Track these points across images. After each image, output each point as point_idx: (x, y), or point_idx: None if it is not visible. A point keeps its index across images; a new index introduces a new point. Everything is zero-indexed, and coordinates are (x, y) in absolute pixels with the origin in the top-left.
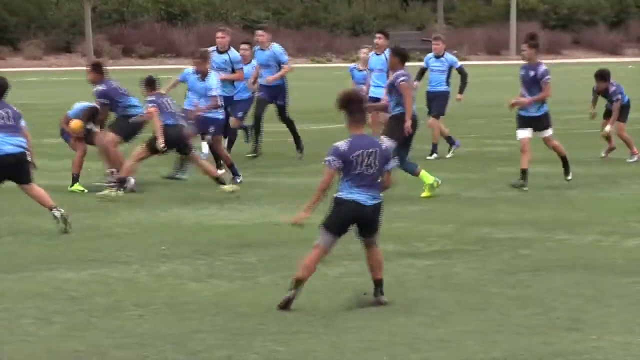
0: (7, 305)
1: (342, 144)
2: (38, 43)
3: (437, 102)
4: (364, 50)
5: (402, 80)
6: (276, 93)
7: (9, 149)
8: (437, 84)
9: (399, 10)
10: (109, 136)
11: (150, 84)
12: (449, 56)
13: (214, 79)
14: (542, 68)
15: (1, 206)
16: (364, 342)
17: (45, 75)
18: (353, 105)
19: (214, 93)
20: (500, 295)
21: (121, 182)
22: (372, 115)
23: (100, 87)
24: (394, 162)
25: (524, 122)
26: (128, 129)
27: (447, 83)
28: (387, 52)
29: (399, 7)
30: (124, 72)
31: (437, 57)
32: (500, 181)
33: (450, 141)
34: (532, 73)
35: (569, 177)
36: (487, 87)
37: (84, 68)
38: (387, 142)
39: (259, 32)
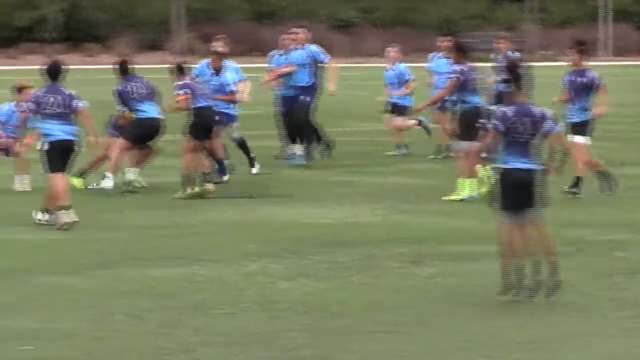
0: (98, 302)
1: (507, 109)
2: (127, 41)
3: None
4: (392, 49)
5: (451, 77)
6: (304, 92)
7: (61, 135)
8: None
9: (489, 11)
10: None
11: (181, 70)
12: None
13: (229, 75)
14: (592, 74)
15: (90, 203)
16: (457, 343)
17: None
18: (518, 73)
19: (232, 88)
20: (596, 298)
21: (205, 176)
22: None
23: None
24: (555, 126)
25: (572, 128)
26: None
27: None
28: None
29: (488, 7)
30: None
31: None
32: (595, 183)
33: None
34: (580, 79)
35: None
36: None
37: (170, 66)
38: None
39: (298, 29)
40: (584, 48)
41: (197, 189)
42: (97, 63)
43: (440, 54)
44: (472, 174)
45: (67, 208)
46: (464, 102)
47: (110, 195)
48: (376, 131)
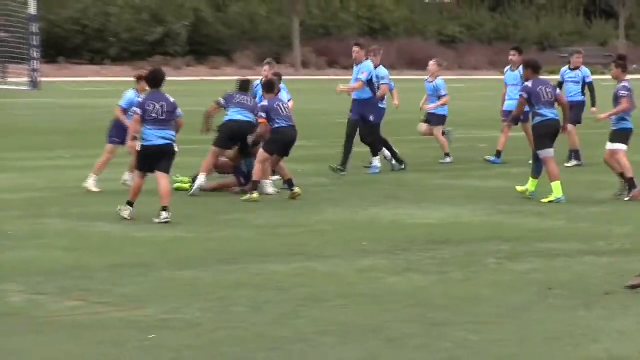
0: (222, 294)
1: None
2: (250, 54)
3: (573, 111)
4: (432, 62)
5: (521, 91)
6: (365, 110)
7: (155, 140)
8: (573, 94)
9: (583, 27)
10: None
11: (269, 87)
12: (585, 69)
13: (284, 94)
14: (620, 85)
15: (217, 204)
16: (548, 333)
17: None
18: None
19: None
20: None
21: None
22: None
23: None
24: None
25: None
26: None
27: (582, 94)
28: (521, 68)
29: (583, 24)
30: (329, 81)
31: (573, 69)
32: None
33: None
34: (614, 90)
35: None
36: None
37: (294, 77)
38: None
39: (354, 48)
40: (623, 63)
41: (256, 195)
42: (222, 75)
43: (510, 67)
44: (556, 178)
45: (166, 209)
46: (536, 115)
47: (236, 195)
48: (477, 138)
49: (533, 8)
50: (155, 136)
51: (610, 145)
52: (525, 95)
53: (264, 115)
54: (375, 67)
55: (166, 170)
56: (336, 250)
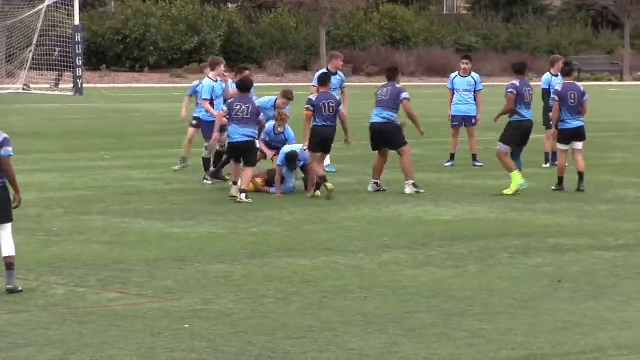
0: (252, 287)
1: None
2: (279, 62)
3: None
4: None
5: (508, 91)
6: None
7: (238, 137)
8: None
9: (591, 37)
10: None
11: (323, 80)
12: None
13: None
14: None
15: (251, 202)
16: (558, 323)
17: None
18: None
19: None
20: None
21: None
22: None
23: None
24: None
25: None
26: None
27: None
28: (472, 74)
29: (591, 33)
30: (354, 88)
31: (556, 76)
32: None
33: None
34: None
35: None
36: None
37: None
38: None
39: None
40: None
41: (319, 193)
42: (254, 81)
43: (459, 73)
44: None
45: (244, 192)
46: (515, 113)
47: (263, 195)
48: (492, 140)
49: (544, 19)
50: (238, 134)
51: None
52: (515, 92)
53: (311, 108)
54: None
55: (251, 164)
56: (359, 246)
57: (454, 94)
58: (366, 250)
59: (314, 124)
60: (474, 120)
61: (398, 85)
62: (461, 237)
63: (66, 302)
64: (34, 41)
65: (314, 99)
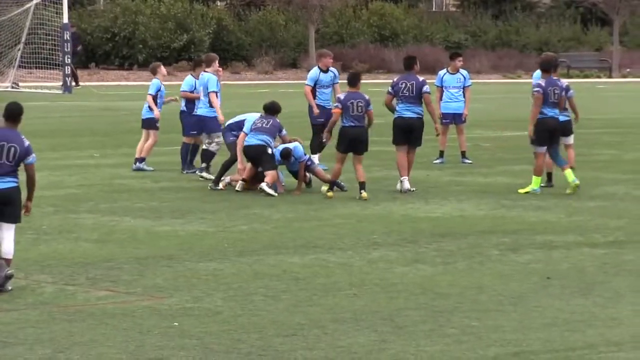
0: (241, 285)
1: None
2: (269, 60)
3: None
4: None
5: (534, 90)
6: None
7: (253, 141)
8: None
9: (580, 34)
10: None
11: (353, 80)
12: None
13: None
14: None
15: (237, 200)
16: (546, 319)
17: (275, 87)
18: None
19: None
20: None
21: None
22: None
23: None
24: None
25: None
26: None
27: None
28: (461, 71)
29: (580, 30)
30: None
31: None
32: None
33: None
34: None
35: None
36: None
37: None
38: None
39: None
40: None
41: (331, 194)
42: (243, 79)
43: (448, 70)
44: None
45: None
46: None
47: (253, 193)
48: (481, 137)
49: (533, 16)
50: (256, 138)
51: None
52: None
53: (339, 106)
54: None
55: (265, 168)
56: (348, 243)
57: (442, 91)
58: (355, 248)
59: (341, 124)
60: (463, 117)
61: (420, 77)
62: (450, 234)
63: (55, 300)
64: (23, 39)
65: (342, 97)
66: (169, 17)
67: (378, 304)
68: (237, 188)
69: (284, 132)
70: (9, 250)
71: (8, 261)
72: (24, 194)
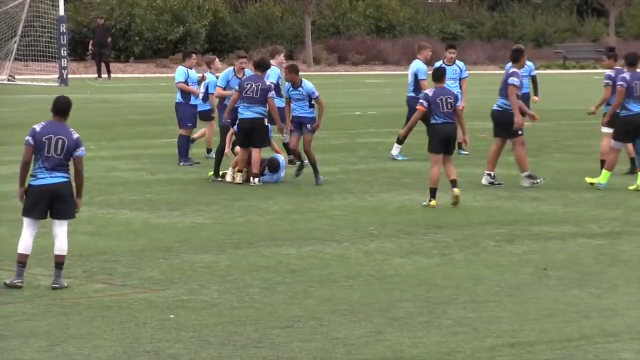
0: (237, 276)
1: None
2: (265, 52)
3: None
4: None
5: (618, 84)
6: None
7: (249, 114)
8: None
9: (576, 24)
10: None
11: (437, 75)
12: (530, 64)
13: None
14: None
15: (234, 191)
16: (542, 310)
17: None
18: None
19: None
20: None
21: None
22: None
23: None
24: None
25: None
26: None
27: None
28: (457, 62)
29: (576, 21)
30: (340, 77)
31: None
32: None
33: None
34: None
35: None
36: None
37: (306, 73)
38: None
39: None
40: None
41: (433, 202)
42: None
43: (444, 62)
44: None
45: (256, 176)
46: (623, 108)
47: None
48: (478, 129)
49: (529, 7)
50: (248, 110)
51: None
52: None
53: (425, 104)
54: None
55: (259, 145)
56: (345, 235)
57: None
58: (352, 239)
59: (432, 122)
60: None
61: (512, 69)
62: (446, 225)
63: (51, 293)
64: (19, 32)
65: (430, 93)
66: (165, 9)
67: (374, 296)
68: (237, 180)
69: (270, 93)
70: (62, 247)
71: (61, 259)
72: None
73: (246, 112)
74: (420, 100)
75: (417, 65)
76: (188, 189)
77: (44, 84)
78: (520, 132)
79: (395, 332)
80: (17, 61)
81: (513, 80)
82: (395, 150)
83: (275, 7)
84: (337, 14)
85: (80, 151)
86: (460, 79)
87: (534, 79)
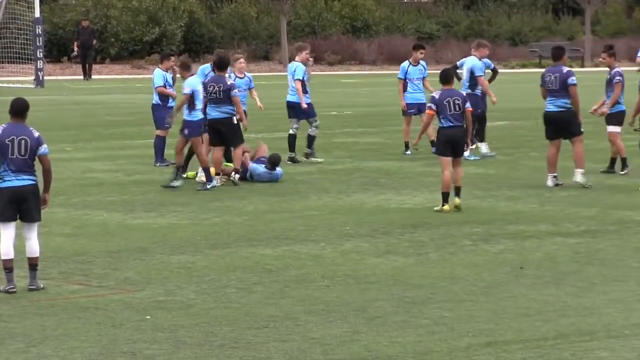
0: (214, 277)
1: None
2: (241, 52)
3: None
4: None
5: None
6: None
7: (216, 114)
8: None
9: (552, 23)
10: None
11: (445, 79)
12: (487, 60)
13: None
14: (613, 71)
15: (211, 192)
16: (519, 309)
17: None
18: None
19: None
20: (639, 269)
21: None
22: None
23: None
24: None
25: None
26: None
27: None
28: (423, 63)
29: (551, 20)
30: (316, 77)
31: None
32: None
33: None
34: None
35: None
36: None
37: (282, 73)
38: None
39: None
40: (613, 51)
41: (447, 207)
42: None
43: (411, 62)
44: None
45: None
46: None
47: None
48: None
49: (504, 6)
50: (216, 110)
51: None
52: None
53: (433, 107)
54: None
55: (232, 144)
56: (321, 235)
57: (405, 83)
58: (327, 239)
59: (440, 125)
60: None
61: (565, 68)
62: (422, 224)
63: (27, 294)
64: None
65: (437, 96)
66: (140, 11)
67: (350, 295)
68: (217, 184)
69: (233, 92)
70: (33, 249)
71: (34, 261)
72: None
73: (213, 113)
74: (428, 104)
75: (473, 61)
76: (164, 190)
77: (20, 85)
78: (582, 130)
79: (372, 331)
80: None
81: (574, 79)
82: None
83: (250, 7)
84: (312, 14)
85: (43, 149)
86: (423, 78)
87: (494, 71)
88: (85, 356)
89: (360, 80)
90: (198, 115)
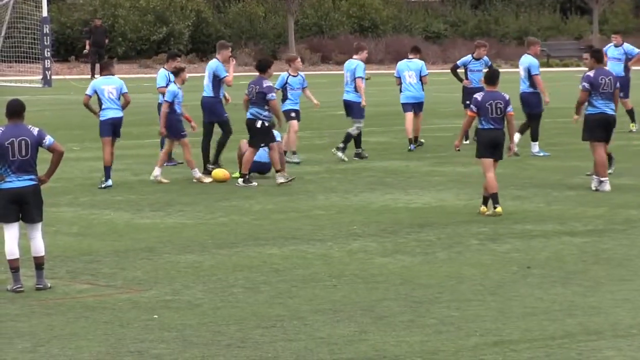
0: (221, 277)
1: None
2: (248, 51)
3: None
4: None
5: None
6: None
7: (248, 115)
8: (478, 80)
9: (560, 22)
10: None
11: (490, 79)
12: (486, 58)
13: None
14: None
15: (217, 192)
16: (526, 309)
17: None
18: None
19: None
20: None
21: None
22: None
23: None
24: None
25: None
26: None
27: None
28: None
29: (559, 19)
30: (323, 76)
31: (477, 59)
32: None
33: None
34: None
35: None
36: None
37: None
38: None
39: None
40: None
41: (484, 208)
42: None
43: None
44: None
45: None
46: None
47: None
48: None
49: (512, 5)
50: (249, 112)
51: None
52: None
53: (474, 109)
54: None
55: (251, 144)
56: (328, 234)
57: (401, 82)
58: (335, 239)
59: (479, 126)
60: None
61: (613, 73)
62: (429, 224)
63: (35, 293)
64: (2, 33)
65: (479, 98)
66: (148, 10)
67: (357, 295)
68: (207, 181)
69: (269, 95)
70: (38, 249)
71: (41, 260)
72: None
73: (247, 113)
74: (471, 106)
75: (529, 60)
76: (171, 190)
77: (27, 85)
78: None
79: (379, 331)
80: (1, 62)
81: (618, 84)
82: (535, 147)
83: (258, 7)
84: (320, 13)
85: (47, 141)
86: (420, 77)
87: (490, 69)
88: (93, 355)
89: (367, 80)
90: (176, 116)
